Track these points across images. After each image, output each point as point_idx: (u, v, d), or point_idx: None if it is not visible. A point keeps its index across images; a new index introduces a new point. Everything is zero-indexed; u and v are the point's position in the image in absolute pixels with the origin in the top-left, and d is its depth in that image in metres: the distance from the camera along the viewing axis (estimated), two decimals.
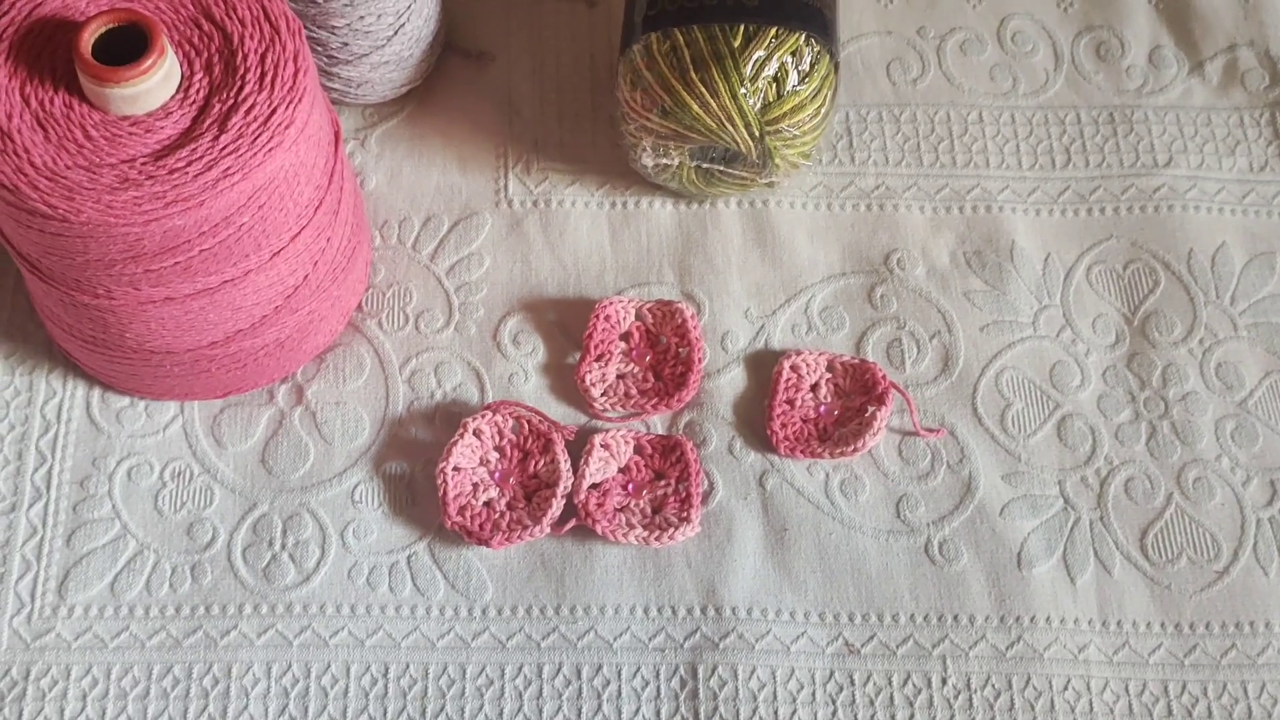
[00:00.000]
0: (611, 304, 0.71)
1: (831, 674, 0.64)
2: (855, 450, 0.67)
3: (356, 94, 0.75)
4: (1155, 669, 0.64)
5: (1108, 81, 0.79)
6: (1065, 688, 0.63)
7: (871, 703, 0.63)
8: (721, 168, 0.71)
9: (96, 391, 0.69)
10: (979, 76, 0.79)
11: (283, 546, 0.66)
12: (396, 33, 0.72)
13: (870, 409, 0.68)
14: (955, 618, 0.65)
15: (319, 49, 0.72)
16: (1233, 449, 0.69)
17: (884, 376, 0.69)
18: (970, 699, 0.63)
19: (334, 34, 0.71)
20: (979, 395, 0.70)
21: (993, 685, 0.64)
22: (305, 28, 0.70)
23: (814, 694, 0.63)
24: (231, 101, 0.58)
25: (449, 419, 0.69)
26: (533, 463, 0.67)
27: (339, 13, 0.70)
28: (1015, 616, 0.65)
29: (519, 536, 0.65)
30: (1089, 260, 0.74)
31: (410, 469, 0.68)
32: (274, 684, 0.63)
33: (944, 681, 0.64)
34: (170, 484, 0.67)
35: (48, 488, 0.67)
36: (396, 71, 0.75)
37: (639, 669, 0.64)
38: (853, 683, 0.64)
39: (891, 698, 0.63)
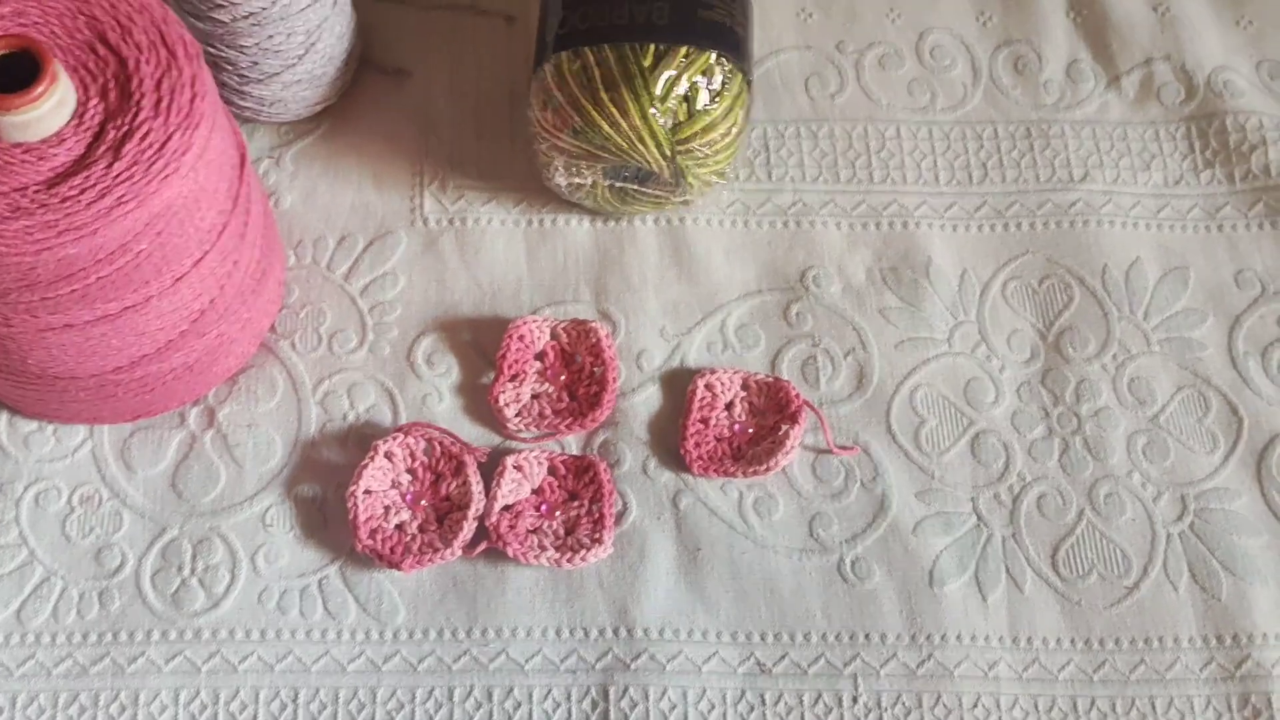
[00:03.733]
0: (525, 323, 0.70)
1: (743, 694, 0.64)
2: (768, 469, 0.67)
3: (270, 112, 0.74)
4: (1065, 685, 0.64)
5: (1025, 96, 0.79)
6: (975, 705, 0.64)
7: None
8: (635, 186, 0.71)
9: (4, 416, 0.68)
10: (897, 91, 0.79)
11: (192, 571, 0.66)
12: (308, 51, 0.72)
13: (784, 427, 0.68)
14: (867, 636, 0.65)
15: (229, 68, 0.71)
16: (1144, 464, 0.69)
17: (797, 395, 0.69)
18: (880, 717, 0.63)
19: (243, 53, 0.70)
20: (893, 413, 0.70)
21: (903, 703, 0.64)
22: (214, 47, 0.70)
23: (724, 714, 0.63)
24: (127, 128, 0.57)
25: (361, 440, 0.68)
26: (445, 485, 0.67)
27: (247, 32, 0.69)
28: (926, 634, 0.65)
29: (430, 559, 0.65)
30: (1005, 276, 0.74)
31: (322, 491, 0.67)
32: (182, 710, 0.63)
33: (855, 700, 0.64)
34: (79, 509, 0.67)
35: None
36: (310, 90, 0.74)
37: (550, 691, 0.64)
38: (764, 703, 0.64)
39: (802, 716, 0.63)
